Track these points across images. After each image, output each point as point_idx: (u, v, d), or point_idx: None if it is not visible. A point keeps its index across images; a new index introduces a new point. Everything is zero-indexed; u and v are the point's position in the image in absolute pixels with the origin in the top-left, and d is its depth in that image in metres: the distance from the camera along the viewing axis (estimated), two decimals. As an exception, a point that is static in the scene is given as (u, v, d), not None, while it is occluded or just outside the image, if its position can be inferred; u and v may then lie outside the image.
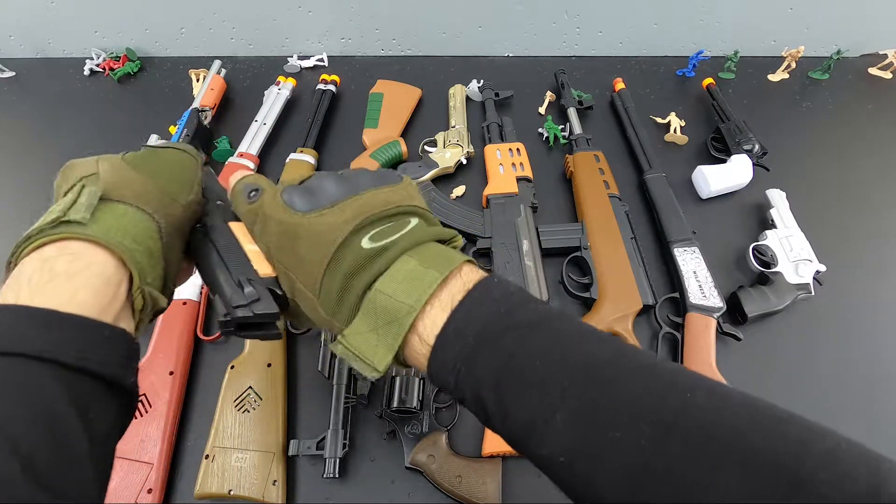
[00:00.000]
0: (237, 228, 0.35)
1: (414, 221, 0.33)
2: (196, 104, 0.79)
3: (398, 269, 0.29)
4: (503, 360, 0.27)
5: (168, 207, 0.33)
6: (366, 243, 0.30)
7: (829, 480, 0.19)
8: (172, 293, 0.36)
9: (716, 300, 0.59)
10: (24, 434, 0.23)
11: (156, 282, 0.32)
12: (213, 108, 0.81)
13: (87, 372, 0.26)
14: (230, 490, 0.49)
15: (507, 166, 0.71)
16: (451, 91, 0.85)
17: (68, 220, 0.29)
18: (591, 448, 0.24)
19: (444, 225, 0.65)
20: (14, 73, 0.91)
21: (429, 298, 0.28)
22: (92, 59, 0.92)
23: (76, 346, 0.26)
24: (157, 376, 0.54)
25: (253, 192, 0.34)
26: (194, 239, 0.36)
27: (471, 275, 0.30)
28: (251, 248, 0.34)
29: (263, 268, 0.33)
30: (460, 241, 0.35)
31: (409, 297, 0.28)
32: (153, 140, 0.77)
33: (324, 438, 0.51)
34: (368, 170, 0.36)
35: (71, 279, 0.27)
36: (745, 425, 0.22)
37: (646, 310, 0.60)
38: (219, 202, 0.37)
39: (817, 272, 0.62)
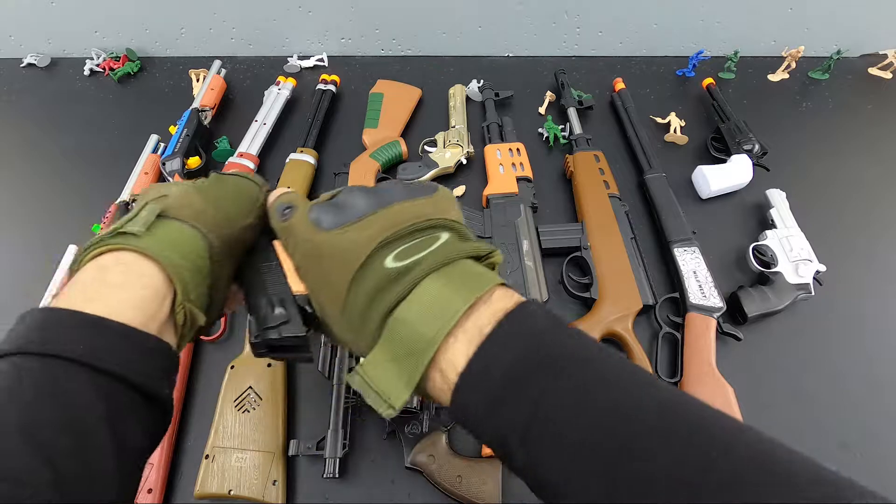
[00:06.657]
0: (280, 246, 0.35)
1: (444, 237, 0.30)
2: (196, 104, 0.79)
3: (420, 294, 0.27)
4: (530, 410, 0.24)
5: (223, 228, 0.33)
6: (389, 262, 0.28)
7: None
8: (219, 315, 0.36)
9: (716, 300, 0.59)
10: (54, 442, 0.22)
11: (199, 300, 0.32)
12: (213, 108, 0.81)
13: (127, 381, 0.26)
14: (230, 490, 0.49)
15: (507, 166, 0.71)
16: (451, 91, 0.85)
17: (125, 231, 0.30)
18: None
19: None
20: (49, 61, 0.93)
21: (452, 329, 0.26)
22: (92, 59, 0.92)
23: (119, 355, 0.26)
24: (157, 376, 0.54)
25: (287, 210, 0.33)
26: (243, 261, 0.36)
27: (501, 302, 0.27)
28: (289, 266, 0.34)
29: (297, 285, 0.33)
30: (499, 257, 0.32)
31: (429, 327, 0.26)
32: (152, 140, 0.77)
33: (324, 438, 0.51)
34: (402, 181, 0.34)
35: (121, 289, 0.28)
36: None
37: (646, 310, 0.60)
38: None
39: (817, 272, 0.62)
